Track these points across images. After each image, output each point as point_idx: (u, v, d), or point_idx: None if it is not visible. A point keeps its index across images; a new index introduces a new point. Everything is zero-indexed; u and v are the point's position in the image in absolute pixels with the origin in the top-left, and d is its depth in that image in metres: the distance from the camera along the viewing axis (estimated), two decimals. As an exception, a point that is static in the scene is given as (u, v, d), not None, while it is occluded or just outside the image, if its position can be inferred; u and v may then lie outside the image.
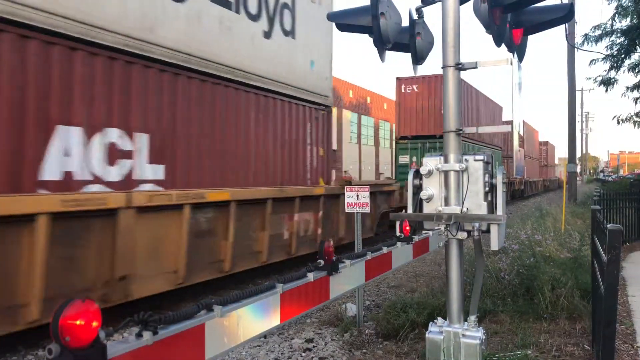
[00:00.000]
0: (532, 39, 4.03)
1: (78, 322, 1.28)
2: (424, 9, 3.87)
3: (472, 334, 3.53)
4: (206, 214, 7.35)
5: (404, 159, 19.14)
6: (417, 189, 3.71)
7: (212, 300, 1.87)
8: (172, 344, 1.62)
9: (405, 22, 3.78)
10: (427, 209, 3.62)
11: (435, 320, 3.72)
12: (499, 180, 3.51)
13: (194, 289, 8.03)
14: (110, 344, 1.40)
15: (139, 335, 1.50)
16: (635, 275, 8.24)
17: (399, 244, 3.75)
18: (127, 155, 6.37)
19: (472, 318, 3.68)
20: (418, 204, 3.71)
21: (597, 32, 17.55)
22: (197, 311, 1.78)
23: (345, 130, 42.90)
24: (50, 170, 5.48)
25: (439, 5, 3.65)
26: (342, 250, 10.52)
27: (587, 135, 75.98)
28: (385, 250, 3.51)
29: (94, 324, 1.31)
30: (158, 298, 7.26)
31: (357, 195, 6.08)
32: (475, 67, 3.53)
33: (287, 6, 9.63)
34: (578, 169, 33.00)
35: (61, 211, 5.16)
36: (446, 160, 3.55)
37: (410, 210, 3.73)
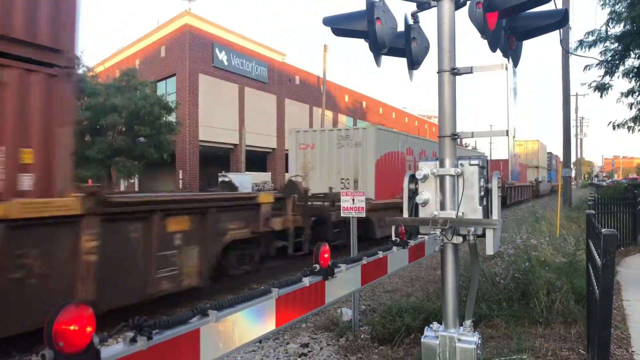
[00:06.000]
0: (527, 44, 4.08)
1: (72, 328, 1.27)
2: (419, 14, 3.88)
3: (467, 339, 3.53)
4: None
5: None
6: (413, 193, 3.71)
7: (207, 305, 1.87)
8: (166, 349, 1.61)
9: (400, 27, 3.80)
10: (423, 213, 3.63)
11: (431, 325, 3.71)
12: (495, 184, 3.52)
13: (188, 293, 7.99)
14: (104, 349, 1.39)
15: (133, 340, 1.49)
16: (630, 279, 8.26)
17: (394, 248, 3.76)
18: None
19: (468, 322, 3.68)
20: (414, 208, 3.71)
21: (591, 38, 17.66)
22: (192, 316, 1.77)
23: (341, 134, 42.89)
24: None
25: (434, 10, 3.67)
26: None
27: (581, 140, 76.19)
28: (381, 254, 3.51)
29: (88, 329, 1.30)
30: (154, 303, 7.22)
31: (353, 200, 6.08)
32: (471, 72, 3.55)
33: None
34: (573, 174, 33.09)
35: None
36: (442, 165, 3.55)
37: (405, 214, 3.73)
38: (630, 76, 17.58)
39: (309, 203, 11.24)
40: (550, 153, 60.72)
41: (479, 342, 3.56)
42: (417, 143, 17.28)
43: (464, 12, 3.56)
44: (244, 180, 19.79)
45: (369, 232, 13.30)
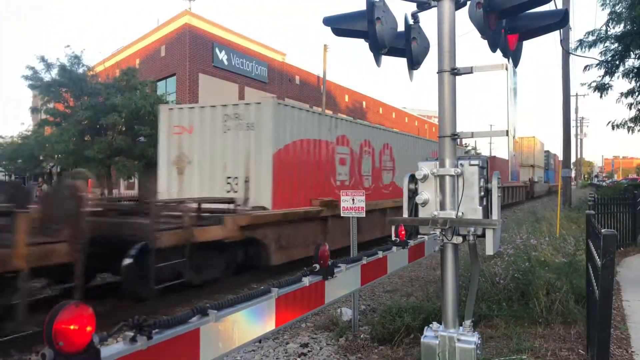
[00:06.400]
0: (527, 44, 4.08)
1: (72, 327, 1.27)
2: (419, 14, 3.88)
3: (467, 339, 3.53)
4: None
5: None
6: (413, 193, 3.71)
7: (207, 304, 1.87)
8: (166, 348, 1.61)
9: (401, 27, 3.80)
10: (423, 213, 3.63)
11: (430, 325, 3.71)
12: (494, 184, 3.52)
13: (187, 293, 7.99)
14: (104, 348, 1.39)
15: (133, 340, 1.49)
16: (630, 279, 8.26)
17: (394, 248, 3.75)
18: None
19: (468, 322, 3.68)
20: (413, 208, 3.71)
21: (591, 38, 17.67)
22: (192, 316, 1.77)
23: (341, 134, 42.86)
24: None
25: (434, 10, 3.67)
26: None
27: (581, 140, 76.16)
28: (380, 254, 3.51)
29: (88, 328, 1.30)
30: (153, 303, 7.22)
31: (353, 200, 6.08)
32: (471, 72, 3.55)
33: None
34: (573, 174, 33.03)
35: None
36: (442, 165, 3.55)
37: (405, 214, 3.73)
38: (630, 76, 17.59)
39: (99, 219, 7.03)
40: (547, 151, 59.17)
41: (479, 342, 3.56)
42: (356, 130, 13.20)
43: (464, 12, 3.56)
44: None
45: (259, 258, 9.20)
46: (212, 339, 1.84)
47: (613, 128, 18.72)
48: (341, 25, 3.84)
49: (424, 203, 3.59)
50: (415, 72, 4.00)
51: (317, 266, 2.62)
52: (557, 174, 59.67)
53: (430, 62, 4.04)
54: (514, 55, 3.76)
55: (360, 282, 3.19)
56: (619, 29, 16.74)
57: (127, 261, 6.79)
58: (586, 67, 18.60)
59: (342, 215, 6.18)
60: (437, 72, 3.60)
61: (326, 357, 5.30)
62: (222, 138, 10.21)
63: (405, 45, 3.83)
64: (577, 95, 59.46)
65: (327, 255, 2.67)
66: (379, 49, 3.63)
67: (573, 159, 34.91)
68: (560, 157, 28.44)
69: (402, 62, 3.93)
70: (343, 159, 12.40)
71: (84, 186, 6.74)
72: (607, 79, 18.02)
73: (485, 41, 3.38)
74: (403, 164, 15.86)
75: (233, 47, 31.10)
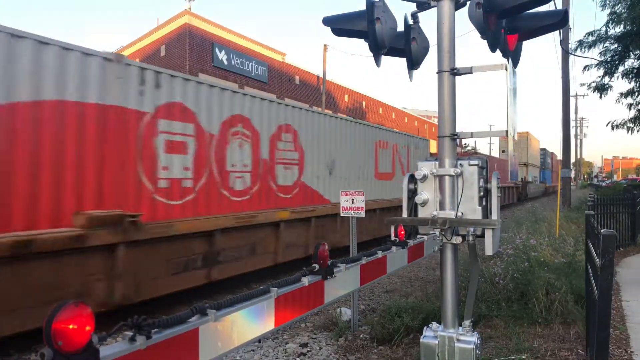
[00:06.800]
0: (527, 44, 4.08)
1: (71, 327, 1.27)
2: (419, 14, 3.88)
3: (466, 339, 3.53)
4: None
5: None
6: (412, 193, 3.72)
7: (206, 304, 1.87)
8: (165, 348, 1.61)
9: (400, 27, 3.80)
10: (422, 213, 3.63)
11: (430, 325, 3.71)
12: (494, 185, 3.53)
13: (187, 293, 7.99)
14: (103, 348, 1.40)
15: (132, 339, 1.49)
16: (629, 280, 8.27)
17: (394, 248, 3.76)
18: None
19: (467, 323, 3.68)
20: (413, 208, 3.71)
21: (591, 39, 17.69)
22: (191, 316, 1.77)
23: (341, 134, 42.79)
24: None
25: (434, 10, 3.67)
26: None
27: (581, 140, 76.07)
28: (380, 254, 3.51)
29: (87, 328, 1.31)
30: (152, 302, 7.22)
31: (352, 200, 6.07)
32: (470, 72, 3.55)
33: None
34: (572, 174, 32.97)
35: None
36: (441, 165, 3.55)
37: (405, 214, 3.73)
38: (630, 77, 17.62)
39: None
40: (544, 149, 58.13)
41: (478, 342, 3.57)
42: (210, 98, 8.02)
43: (464, 12, 3.56)
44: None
45: None
46: (212, 338, 1.84)
47: (613, 128, 18.77)
48: (341, 25, 3.85)
49: (424, 203, 3.59)
50: (415, 72, 4.00)
51: (317, 266, 2.62)
52: (555, 173, 59.19)
53: (430, 62, 4.05)
54: (513, 56, 3.76)
55: (359, 282, 3.19)
56: (618, 29, 16.78)
57: None
58: (586, 68, 18.66)
59: (341, 215, 6.11)
60: (437, 72, 3.60)
61: (325, 357, 5.30)
62: None
63: (405, 45, 3.83)
64: (576, 95, 59.47)
65: (326, 255, 2.67)
66: (379, 49, 3.64)
67: (573, 159, 34.84)
68: (559, 157, 28.39)
69: (402, 62, 3.93)
70: (180, 142, 7.41)
71: None
72: (606, 80, 18.07)
73: (485, 41, 3.39)
74: (321, 157, 11.10)
75: (233, 47, 31.12)
